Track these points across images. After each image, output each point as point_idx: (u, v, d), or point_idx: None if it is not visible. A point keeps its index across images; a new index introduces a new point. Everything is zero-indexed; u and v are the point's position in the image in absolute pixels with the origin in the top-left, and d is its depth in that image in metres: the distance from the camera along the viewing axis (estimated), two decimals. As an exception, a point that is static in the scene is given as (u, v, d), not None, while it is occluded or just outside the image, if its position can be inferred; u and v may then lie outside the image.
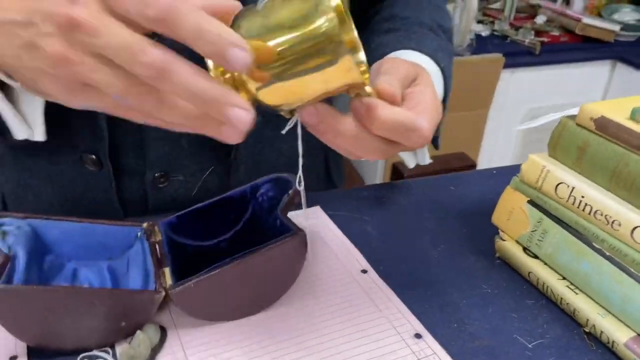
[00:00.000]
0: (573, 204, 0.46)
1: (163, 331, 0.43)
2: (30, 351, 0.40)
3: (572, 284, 0.46)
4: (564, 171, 0.47)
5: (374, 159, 0.38)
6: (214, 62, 0.31)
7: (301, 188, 0.42)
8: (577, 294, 0.45)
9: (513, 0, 2.17)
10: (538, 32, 2.08)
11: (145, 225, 0.48)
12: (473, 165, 1.97)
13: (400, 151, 0.40)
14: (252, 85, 0.32)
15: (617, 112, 0.44)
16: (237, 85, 0.33)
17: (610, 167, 0.43)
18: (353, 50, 0.35)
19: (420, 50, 0.52)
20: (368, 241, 0.54)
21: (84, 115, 0.43)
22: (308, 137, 0.37)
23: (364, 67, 0.36)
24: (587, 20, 2.06)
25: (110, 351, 0.41)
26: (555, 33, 2.09)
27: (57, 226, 0.45)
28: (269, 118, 0.46)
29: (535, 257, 0.49)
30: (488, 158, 2.10)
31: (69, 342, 0.40)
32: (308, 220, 0.56)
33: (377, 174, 1.96)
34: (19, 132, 0.44)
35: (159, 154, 0.55)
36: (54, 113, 0.46)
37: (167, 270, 0.43)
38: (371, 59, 0.42)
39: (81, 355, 0.40)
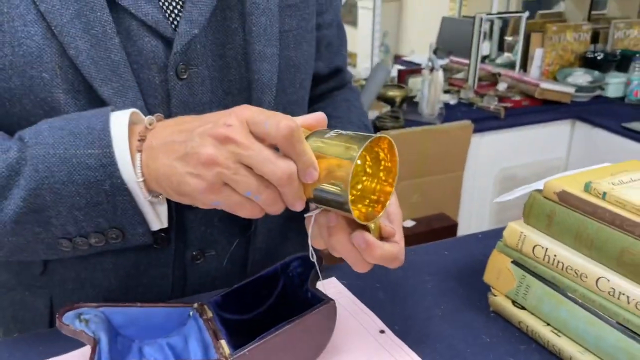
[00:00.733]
0: (548, 262, 0.56)
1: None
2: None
3: (555, 328, 0.56)
4: (538, 235, 0.58)
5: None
6: (299, 170, 0.45)
7: (314, 259, 0.52)
8: (559, 336, 0.55)
9: (475, 70, 2.37)
10: (501, 98, 2.27)
11: (195, 305, 0.56)
12: (454, 225, 2.08)
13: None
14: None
15: (575, 185, 0.56)
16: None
17: (574, 231, 0.54)
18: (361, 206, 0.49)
19: None
20: (381, 304, 0.63)
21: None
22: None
23: (365, 211, 0.49)
24: (544, 85, 2.27)
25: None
26: (517, 98, 2.29)
27: (124, 312, 0.54)
28: None
29: (523, 308, 0.59)
30: (467, 217, 2.23)
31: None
32: (327, 290, 0.65)
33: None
34: (154, 224, 0.53)
35: (196, 234, 0.63)
36: None
37: (223, 342, 0.52)
38: None
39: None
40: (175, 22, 0.56)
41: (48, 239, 0.51)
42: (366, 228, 0.49)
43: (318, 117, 0.49)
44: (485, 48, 2.50)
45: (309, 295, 0.55)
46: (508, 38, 2.84)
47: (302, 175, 0.44)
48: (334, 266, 0.71)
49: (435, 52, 3.01)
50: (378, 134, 0.46)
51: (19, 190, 0.48)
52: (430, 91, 2.09)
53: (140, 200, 0.50)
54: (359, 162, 0.49)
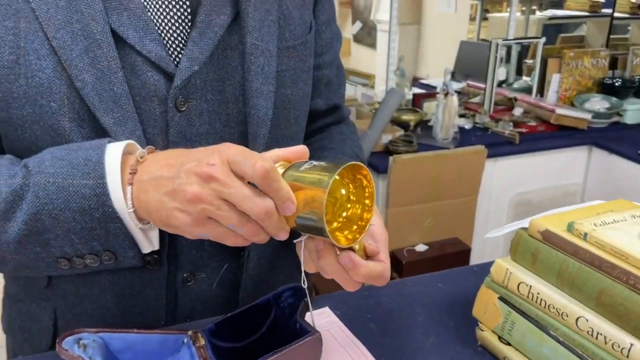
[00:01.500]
0: (532, 299, 0.57)
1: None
2: None
3: (538, 365, 0.57)
4: (523, 273, 0.59)
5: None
6: (277, 205, 0.48)
7: (305, 286, 0.55)
8: (543, 373, 0.56)
9: (491, 95, 2.37)
10: (517, 123, 2.27)
11: (190, 332, 0.59)
12: (467, 250, 2.08)
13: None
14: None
15: (559, 225, 0.57)
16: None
17: (556, 270, 0.56)
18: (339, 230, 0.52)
19: None
20: (372, 335, 0.65)
21: None
22: None
23: (351, 237, 0.52)
24: (560, 110, 2.26)
25: None
26: (533, 123, 2.28)
27: (121, 337, 0.56)
28: None
29: (508, 344, 0.60)
30: (481, 242, 2.22)
31: None
32: (320, 319, 0.67)
33: (377, 263, 2.06)
34: (145, 248, 0.57)
35: (187, 257, 0.66)
36: None
37: (212, 370, 0.54)
38: None
39: None
40: (178, 59, 0.60)
41: (48, 258, 0.55)
42: (352, 249, 0.51)
43: (299, 150, 0.52)
44: (502, 73, 2.50)
45: (298, 326, 0.58)
46: (528, 61, 2.85)
47: (280, 209, 0.48)
48: (329, 295, 0.73)
49: (452, 75, 3.04)
50: (350, 162, 0.48)
51: (22, 214, 0.53)
52: (444, 115, 2.10)
53: (131, 226, 0.54)
54: (342, 191, 0.52)
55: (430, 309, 0.70)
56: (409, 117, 2.19)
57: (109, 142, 0.54)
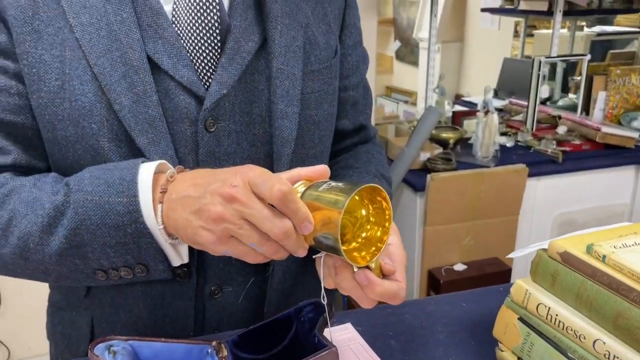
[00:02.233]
0: (551, 320, 0.57)
1: None
2: None
3: (557, 388, 0.56)
4: (542, 294, 0.59)
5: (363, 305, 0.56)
6: (295, 225, 0.51)
7: (325, 302, 0.57)
8: (561, 396, 0.56)
9: (534, 112, 2.34)
10: (560, 142, 2.22)
11: (214, 343, 0.61)
12: (508, 271, 2.04)
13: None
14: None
15: (578, 247, 0.57)
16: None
17: (574, 291, 0.55)
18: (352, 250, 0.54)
19: None
20: (392, 353, 0.66)
21: None
22: None
23: (369, 258, 0.53)
24: (606, 129, 2.20)
25: None
26: (577, 142, 2.23)
27: (149, 346, 0.59)
28: None
29: (528, 365, 0.60)
30: (524, 263, 2.17)
31: None
32: (341, 335, 0.69)
33: (413, 281, 2.06)
34: (175, 261, 0.60)
35: (215, 270, 0.69)
36: None
37: (232, 380, 0.56)
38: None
39: None
40: (208, 83, 0.64)
41: (86, 269, 0.60)
42: (368, 267, 0.53)
43: (320, 170, 0.55)
44: (545, 91, 2.46)
45: (316, 341, 0.59)
46: (576, 78, 2.79)
47: (298, 229, 0.50)
48: (352, 312, 0.74)
49: (495, 93, 3.00)
50: (367, 184, 0.50)
51: (62, 229, 0.57)
52: (484, 133, 2.09)
53: (161, 241, 0.58)
54: (363, 212, 0.54)
55: (452, 328, 0.70)
56: (449, 135, 2.18)
57: (143, 162, 0.58)
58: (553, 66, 2.72)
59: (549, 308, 0.57)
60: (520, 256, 0.65)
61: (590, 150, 2.21)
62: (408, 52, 4.34)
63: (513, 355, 0.61)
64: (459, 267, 2.01)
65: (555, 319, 0.56)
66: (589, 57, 2.36)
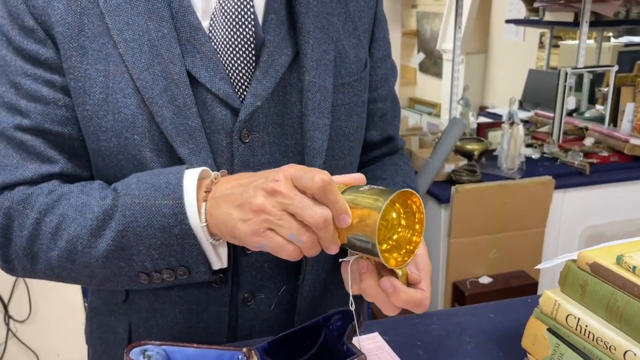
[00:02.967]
0: (580, 331, 0.57)
1: None
2: None
3: (588, 399, 0.56)
4: (571, 305, 0.59)
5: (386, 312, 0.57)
6: (334, 216, 0.52)
7: (353, 308, 0.59)
8: (591, 408, 0.55)
9: (560, 124, 2.32)
10: (587, 154, 2.19)
11: (244, 349, 0.63)
12: (534, 284, 2.01)
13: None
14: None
15: (607, 257, 0.57)
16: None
17: (604, 302, 0.55)
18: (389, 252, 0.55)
19: None
20: (419, 362, 0.66)
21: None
22: None
23: (400, 259, 0.55)
24: (635, 140, 2.17)
25: None
26: (604, 154, 2.20)
27: (182, 351, 0.61)
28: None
29: (557, 376, 0.60)
30: (551, 276, 2.14)
31: None
32: (369, 344, 0.69)
33: (438, 293, 2.04)
34: (215, 264, 0.63)
35: (248, 277, 0.71)
36: None
37: (263, 386, 0.57)
38: None
39: None
40: (243, 95, 0.66)
41: (130, 272, 0.62)
42: (394, 274, 0.54)
43: (356, 177, 0.57)
44: (571, 102, 2.44)
45: (345, 349, 0.60)
46: (603, 89, 2.75)
47: (336, 221, 0.52)
48: (379, 321, 0.75)
49: (521, 104, 2.98)
50: (404, 189, 0.52)
51: (110, 232, 0.60)
52: (509, 145, 2.07)
53: (203, 242, 0.60)
54: (394, 215, 0.55)
55: (479, 339, 0.71)
56: (473, 147, 2.17)
57: (187, 168, 0.61)
58: (580, 77, 2.70)
59: (579, 319, 0.57)
60: (547, 269, 0.65)
61: (618, 162, 2.18)
62: (431, 64, 4.35)
63: (542, 367, 0.61)
64: (484, 279, 1.99)
65: (585, 329, 0.56)
66: (616, 67, 2.34)
